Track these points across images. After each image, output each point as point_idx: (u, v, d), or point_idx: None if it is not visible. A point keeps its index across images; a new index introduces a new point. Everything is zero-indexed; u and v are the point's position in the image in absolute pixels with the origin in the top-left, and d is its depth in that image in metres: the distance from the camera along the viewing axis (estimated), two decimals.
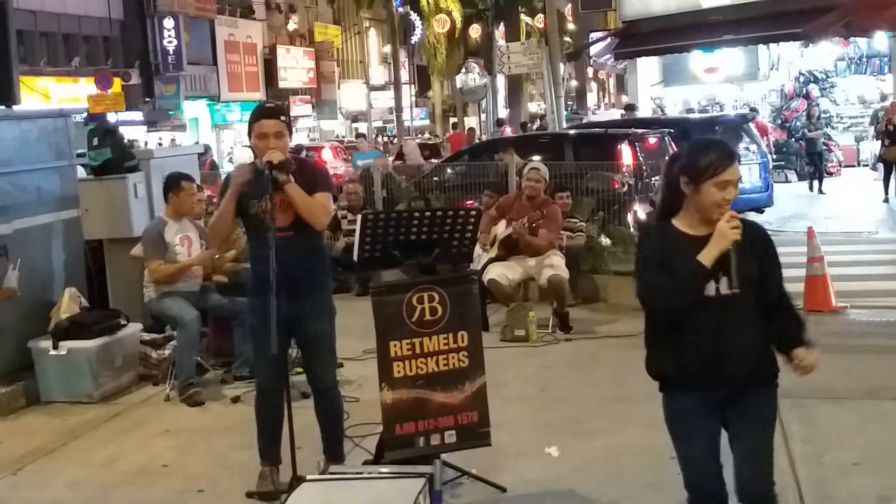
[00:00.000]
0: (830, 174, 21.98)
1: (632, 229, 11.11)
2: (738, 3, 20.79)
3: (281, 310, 4.77)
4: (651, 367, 3.69)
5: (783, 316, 3.63)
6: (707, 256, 3.44)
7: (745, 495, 3.62)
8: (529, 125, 30.89)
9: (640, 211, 11.28)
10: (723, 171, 3.46)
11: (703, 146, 3.57)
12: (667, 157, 3.69)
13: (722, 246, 3.44)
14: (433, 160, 21.11)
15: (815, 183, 19.86)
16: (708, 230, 3.51)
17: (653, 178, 12.17)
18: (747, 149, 16.00)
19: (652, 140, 13.69)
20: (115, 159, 8.57)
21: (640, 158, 12.78)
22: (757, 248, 3.57)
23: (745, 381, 3.57)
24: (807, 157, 20.82)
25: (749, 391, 3.60)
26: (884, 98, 22.72)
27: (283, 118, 5.03)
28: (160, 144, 28.83)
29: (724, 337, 3.50)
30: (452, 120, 50.91)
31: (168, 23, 34.70)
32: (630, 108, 22.05)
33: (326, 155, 26.91)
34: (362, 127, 48.13)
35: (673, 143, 13.69)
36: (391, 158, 22.17)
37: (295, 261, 4.86)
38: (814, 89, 23.79)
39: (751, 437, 3.62)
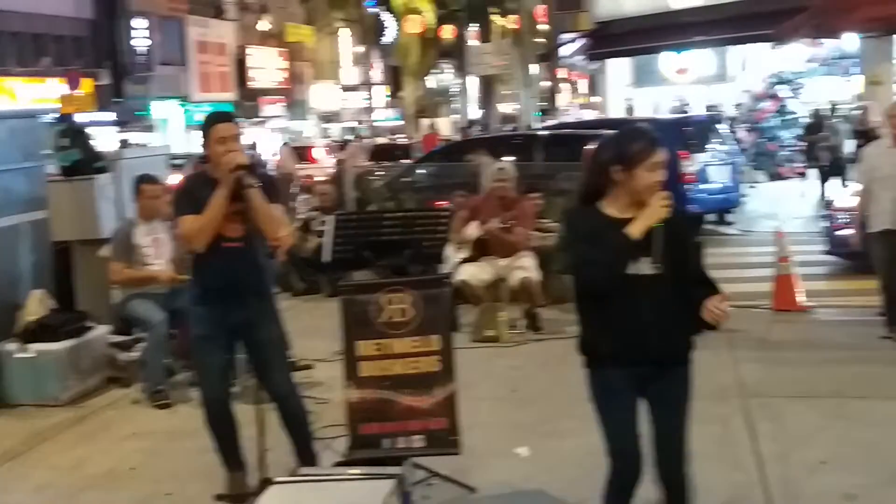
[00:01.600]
0: (801, 175, 22.09)
1: None
2: (709, 4, 20.95)
3: (229, 317, 4.77)
4: (583, 345, 3.91)
5: (703, 289, 3.81)
6: (635, 228, 3.64)
7: (663, 473, 3.86)
8: (498, 125, 30.88)
9: None
10: (652, 155, 3.69)
11: (631, 134, 3.81)
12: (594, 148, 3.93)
13: (651, 220, 3.65)
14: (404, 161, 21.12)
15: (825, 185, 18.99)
16: (635, 213, 3.71)
17: None
18: (717, 149, 16.11)
19: None
20: (84, 160, 8.51)
21: None
22: (677, 231, 3.75)
23: (665, 358, 3.79)
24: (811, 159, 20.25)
25: (668, 370, 3.81)
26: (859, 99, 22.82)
27: (236, 122, 5.11)
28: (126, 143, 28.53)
29: (648, 316, 3.70)
30: (426, 121, 50.91)
31: (139, 23, 34.46)
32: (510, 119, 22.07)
33: (318, 154, 26.65)
34: (334, 128, 48.05)
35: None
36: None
37: (245, 271, 4.87)
38: (783, 90, 23.96)
39: (668, 419, 3.86)
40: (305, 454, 5.28)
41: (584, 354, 3.92)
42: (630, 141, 3.73)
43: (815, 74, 24.27)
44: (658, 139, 3.76)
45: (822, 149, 19.40)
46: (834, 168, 19.21)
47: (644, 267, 3.69)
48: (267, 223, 4.94)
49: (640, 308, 3.69)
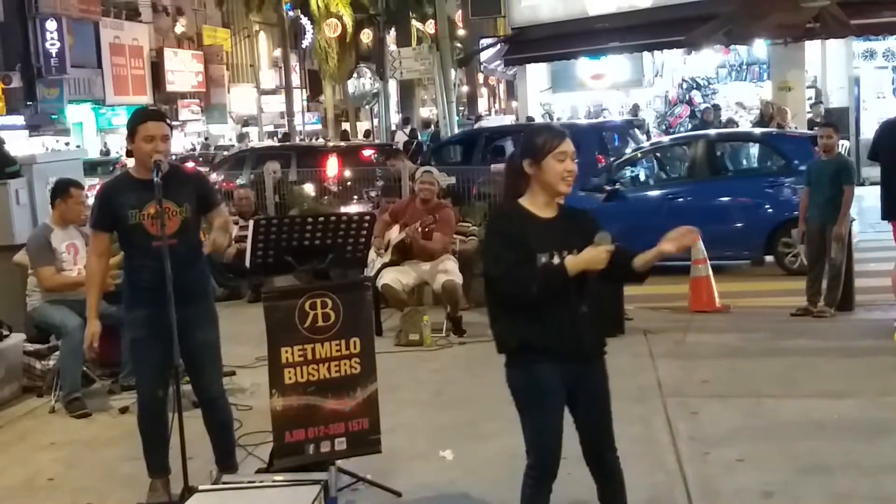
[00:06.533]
0: None
1: None
2: (624, 11, 21.24)
3: (164, 319, 4.69)
4: (510, 338, 3.88)
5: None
6: (573, 268, 3.73)
7: (600, 461, 3.98)
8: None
9: None
10: (558, 145, 3.83)
11: (536, 130, 4.03)
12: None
13: (590, 267, 3.74)
14: None
15: None
16: (552, 212, 3.87)
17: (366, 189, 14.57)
18: None
19: (366, 153, 16.64)
20: None
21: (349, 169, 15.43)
22: (586, 229, 3.86)
23: (591, 352, 3.90)
24: None
25: (590, 364, 3.91)
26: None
27: (167, 121, 5.03)
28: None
29: (576, 311, 3.81)
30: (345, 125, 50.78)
31: (50, 24, 33.78)
32: (285, 137, 22.71)
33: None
34: (253, 132, 47.65)
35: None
36: None
37: (178, 269, 4.74)
38: (696, 95, 24.39)
39: (599, 409, 3.96)
40: (227, 461, 5.24)
41: (515, 348, 3.89)
42: (535, 135, 3.91)
43: (726, 80, 24.74)
44: (563, 131, 3.92)
45: None
46: None
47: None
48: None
49: (570, 304, 3.79)
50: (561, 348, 3.80)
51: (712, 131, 15.29)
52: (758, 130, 16.02)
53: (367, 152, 16.73)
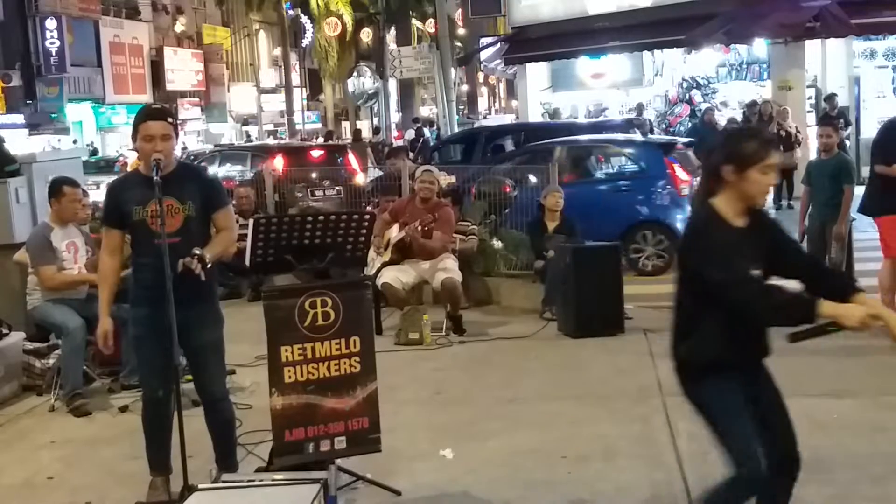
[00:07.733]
0: None
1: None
2: (624, 10, 21.25)
3: (165, 318, 4.68)
4: (703, 352, 3.69)
5: (825, 272, 3.89)
6: (826, 312, 3.45)
7: (794, 464, 3.79)
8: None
9: None
10: (767, 156, 3.56)
11: (744, 135, 3.71)
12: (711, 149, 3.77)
13: (848, 325, 3.43)
14: None
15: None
16: (744, 221, 3.63)
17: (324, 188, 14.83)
18: None
19: (316, 153, 17.32)
20: None
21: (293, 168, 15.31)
22: (771, 237, 3.71)
23: (764, 358, 3.82)
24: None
25: (762, 366, 3.83)
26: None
27: (169, 120, 4.96)
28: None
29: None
30: (345, 124, 50.79)
31: (50, 23, 33.79)
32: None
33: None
34: (252, 131, 47.66)
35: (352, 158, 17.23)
36: None
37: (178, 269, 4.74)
38: (696, 95, 24.39)
39: (782, 406, 3.84)
40: (228, 461, 5.24)
41: (709, 362, 3.70)
42: (743, 140, 3.61)
43: (726, 79, 24.73)
44: (773, 140, 3.69)
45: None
46: None
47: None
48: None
49: None
50: (748, 358, 3.72)
51: (568, 138, 14.97)
52: (614, 137, 15.82)
53: (316, 153, 17.44)
